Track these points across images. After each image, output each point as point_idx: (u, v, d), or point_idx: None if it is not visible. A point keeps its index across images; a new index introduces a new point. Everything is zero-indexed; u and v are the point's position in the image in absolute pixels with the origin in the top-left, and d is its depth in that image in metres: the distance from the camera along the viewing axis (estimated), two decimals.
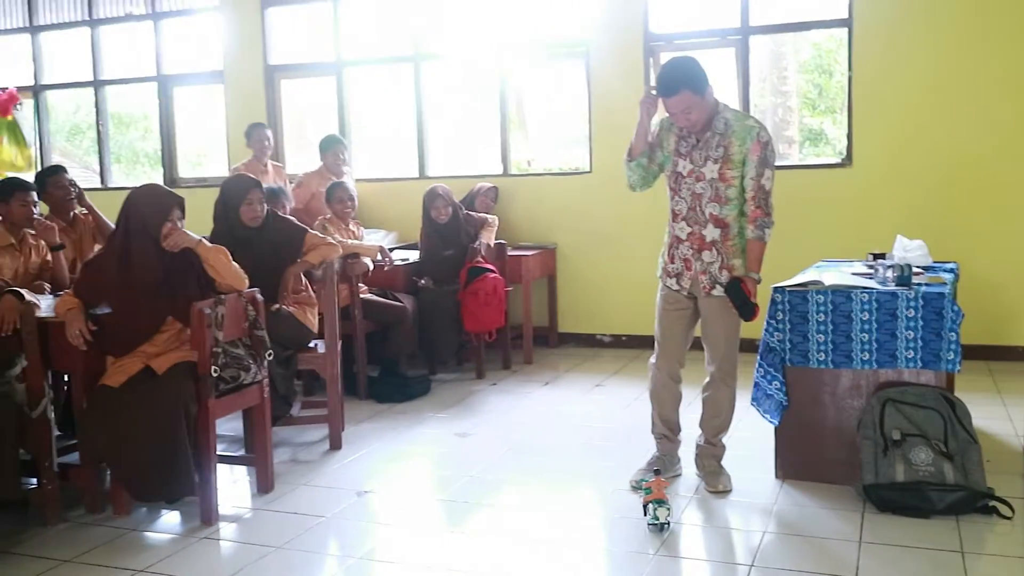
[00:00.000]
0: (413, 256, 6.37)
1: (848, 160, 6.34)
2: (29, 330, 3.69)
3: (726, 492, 3.88)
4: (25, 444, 3.68)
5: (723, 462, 4.02)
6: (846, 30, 6.29)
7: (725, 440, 4.03)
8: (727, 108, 3.76)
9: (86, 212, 5.20)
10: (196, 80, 8.38)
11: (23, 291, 3.78)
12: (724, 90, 6.57)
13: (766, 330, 3.95)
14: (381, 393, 5.62)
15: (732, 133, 3.70)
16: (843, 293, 3.83)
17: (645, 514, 3.55)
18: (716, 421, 3.98)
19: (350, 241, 5.71)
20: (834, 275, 4.08)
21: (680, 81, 3.59)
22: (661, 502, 3.50)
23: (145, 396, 3.60)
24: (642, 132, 3.81)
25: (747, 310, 3.68)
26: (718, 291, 3.79)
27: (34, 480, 3.79)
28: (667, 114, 3.80)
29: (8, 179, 5.05)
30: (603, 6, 6.78)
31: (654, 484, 3.57)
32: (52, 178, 5.07)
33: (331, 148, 6.69)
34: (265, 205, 4.54)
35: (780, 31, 6.91)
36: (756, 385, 4.03)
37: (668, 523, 3.49)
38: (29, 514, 3.75)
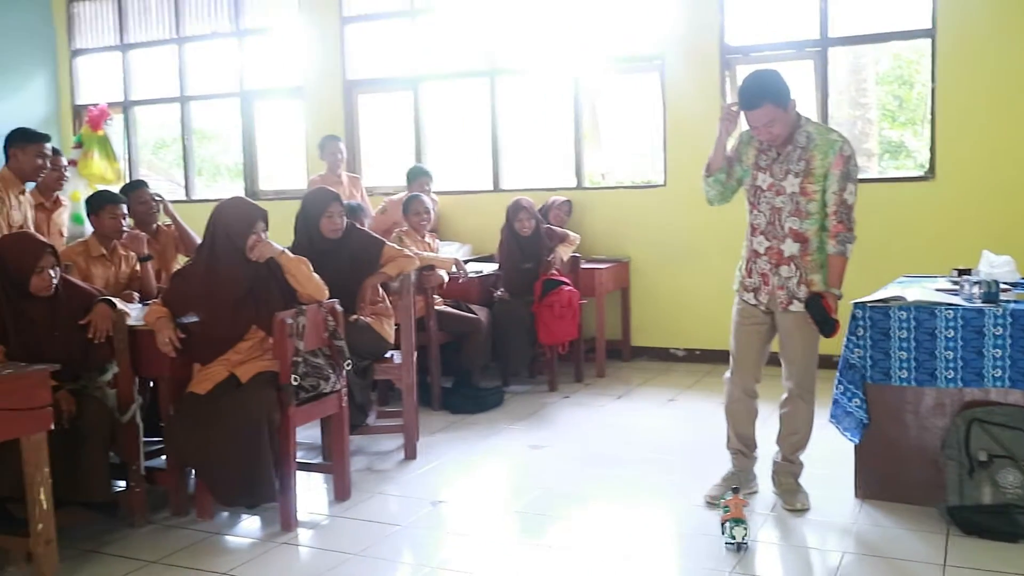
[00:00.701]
0: (487, 268, 6.42)
1: (931, 173, 6.20)
2: (121, 338, 3.82)
3: (804, 510, 3.82)
4: (115, 448, 3.81)
5: (801, 480, 3.95)
6: (929, 40, 6.16)
7: (803, 457, 3.97)
8: (809, 121, 3.72)
9: (169, 224, 5.37)
10: (276, 95, 8.59)
11: (115, 300, 3.91)
12: (802, 103, 6.48)
13: (846, 346, 3.88)
14: (455, 404, 5.68)
15: (814, 147, 3.65)
16: (927, 309, 3.74)
17: (723, 532, 3.51)
18: (794, 438, 3.92)
19: (426, 253, 5.78)
20: (917, 291, 3.99)
21: (763, 94, 3.56)
22: (739, 521, 3.46)
23: (231, 404, 3.70)
24: (720, 147, 3.79)
25: (828, 327, 3.62)
26: (796, 306, 3.75)
27: (122, 483, 3.92)
28: (746, 128, 3.77)
29: (99, 192, 5.27)
30: (679, 18, 6.76)
31: (732, 502, 3.53)
32: (134, 193, 5.25)
33: (417, 179, 6.74)
34: (344, 218, 4.62)
35: (860, 43, 6.81)
36: (835, 402, 3.96)
37: (745, 543, 3.45)
38: (118, 516, 3.88)
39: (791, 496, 3.87)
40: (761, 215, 3.78)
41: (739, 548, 3.44)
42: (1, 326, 3.57)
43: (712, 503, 3.90)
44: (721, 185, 3.84)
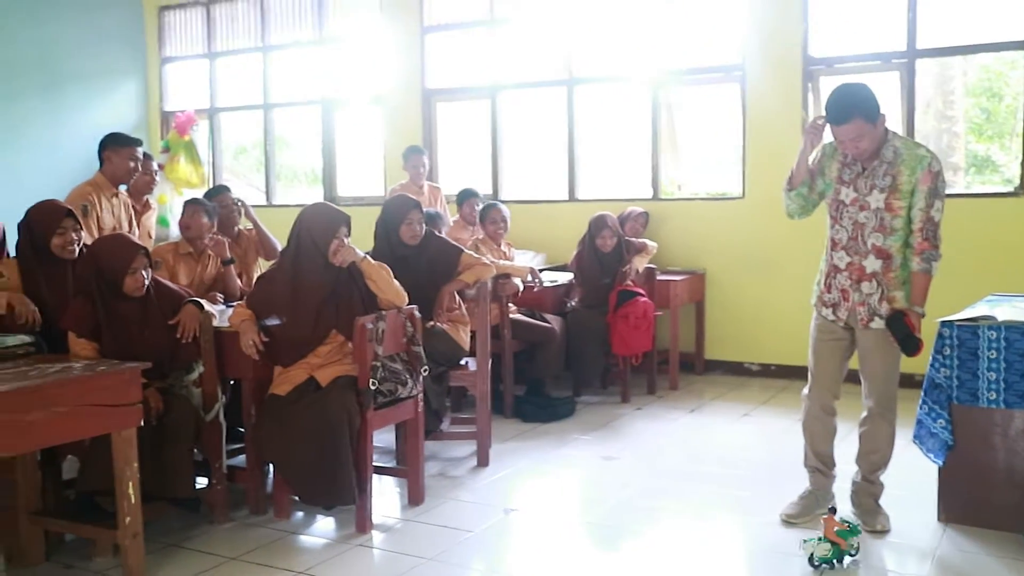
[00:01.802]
0: (562, 278, 6.43)
1: (1021, 188, 6.01)
2: (207, 338, 3.93)
3: (884, 532, 3.73)
4: (199, 445, 3.91)
5: (881, 501, 3.87)
6: (1022, 52, 5.98)
7: (883, 478, 3.88)
8: (896, 136, 3.64)
9: (251, 228, 5.50)
10: (357, 103, 8.74)
11: (203, 301, 4.02)
12: (887, 115, 6.35)
13: (932, 366, 3.79)
14: (527, 412, 5.69)
15: (901, 162, 3.58)
16: (1018, 329, 3.63)
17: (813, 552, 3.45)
18: (874, 457, 3.84)
19: (501, 261, 5.82)
20: (1007, 310, 3.88)
21: (853, 108, 3.49)
22: (823, 539, 3.39)
23: (313, 406, 3.78)
24: (804, 160, 3.73)
25: (911, 345, 3.54)
26: (877, 323, 3.67)
27: (204, 480, 4.03)
28: (828, 140, 3.71)
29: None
30: (761, 28, 6.69)
31: (827, 520, 3.46)
32: (217, 197, 5.41)
33: (467, 200, 6.76)
34: (424, 225, 4.68)
35: (949, 54, 6.65)
36: (919, 422, 3.87)
37: (831, 563, 3.38)
38: (200, 512, 3.99)
39: (871, 517, 3.79)
40: (843, 230, 3.71)
41: (818, 566, 3.38)
42: (95, 324, 3.70)
43: (789, 521, 3.84)
44: (803, 199, 3.78)
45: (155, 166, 5.74)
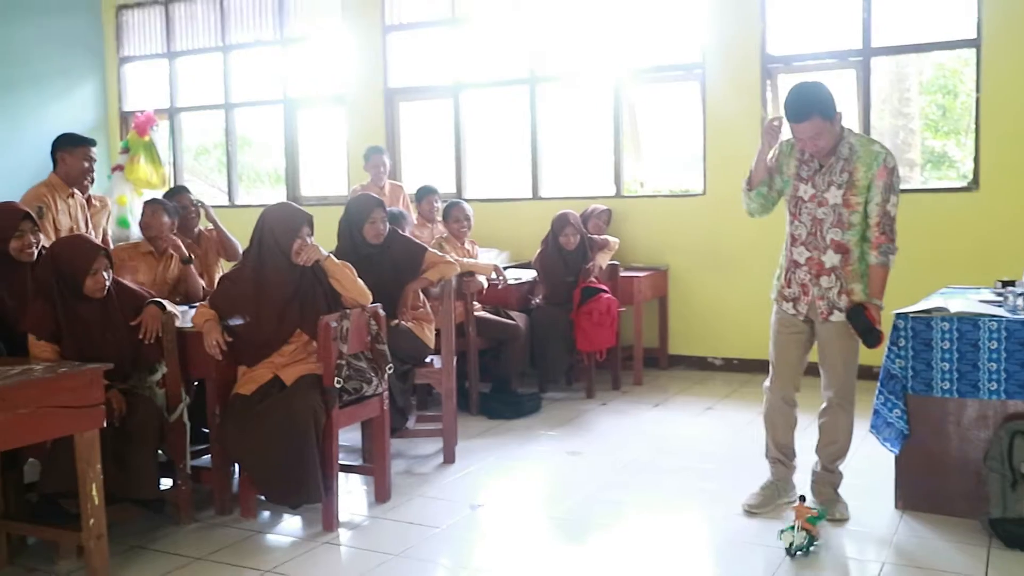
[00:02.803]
0: (526, 275, 6.46)
1: (975, 184, 6.14)
2: (170, 339, 3.91)
3: (843, 520, 3.81)
4: (163, 446, 3.89)
5: (840, 490, 3.94)
6: (974, 50, 6.11)
7: (842, 468, 3.96)
8: (851, 133, 3.71)
9: (211, 228, 5.47)
10: (319, 102, 8.71)
11: (165, 302, 4.00)
12: (844, 112, 6.45)
13: (887, 357, 3.87)
14: (492, 409, 5.72)
15: (857, 158, 3.65)
16: (970, 321, 3.72)
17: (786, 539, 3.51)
18: (833, 447, 3.91)
19: (466, 260, 5.83)
20: (960, 302, 3.97)
21: (811, 106, 3.55)
22: (797, 528, 3.47)
23: (278, 405, 3.78)
24: (762, 161, 3.79)
25: (872, 337, 3.62)
26: (836, 316, 3.75)
27: (169, 481, 4.00)
28: (786, 138, 3.78)
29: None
30: (719, 27, 6.77)
31: (797, 509, 3.53)
32: (176, 197, 5.37)
33: (425, 197, 6.78)
34: (387, 224, 4.69)
35: (904, 52, 6.76)
36: (876, 412, 3.95)
37: (806, 550, 3.45)
38: (165, 513, 3.96)
39: (831, 506, 3.86)
40: (802, 226, 3.78)
41: (794, 555, 3.45)
42: (55, 326, 3.66)
43: (751, 511, 3.91)
44: (763, 198, 3.84)
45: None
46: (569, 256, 6.24)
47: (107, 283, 3.75)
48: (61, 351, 3.65)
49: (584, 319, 6.00)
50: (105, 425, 3.32)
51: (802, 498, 3.60)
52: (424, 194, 6.75)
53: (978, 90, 6.10)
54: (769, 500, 3.97)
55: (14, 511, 3.69)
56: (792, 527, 3.48)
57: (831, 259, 3.73)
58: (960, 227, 6.12)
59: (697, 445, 5.04)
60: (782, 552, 3.47)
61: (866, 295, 3.70)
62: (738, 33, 6.70)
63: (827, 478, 3.94)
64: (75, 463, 3.25)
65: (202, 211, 5.53)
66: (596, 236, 6.56)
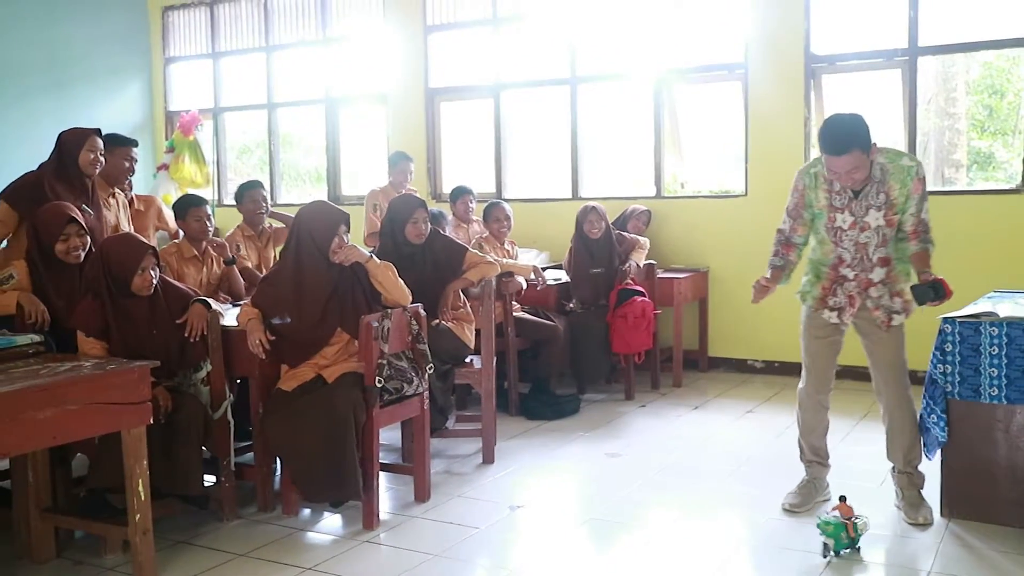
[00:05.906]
0: (565, 276, 6.44)
1: (1023, 185, 6.03)
2: (215, 337, 3.96)
3: (927, 525, 3.76)
4: (207, 443, 3.94)
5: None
6: (1022, 49, 5.99)
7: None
8: (878, 151, 3.65)
9: (282, 226, 5.51)
10: (360, 102, 8.77)
11: (210, 300, 4.05)
12: (889, 113, 6.37)
13: (932, 362, 3.82)
14: (531, 410, 5.72)
15: (890, 176, 3.64)
16: (1019, 326, 3.65)
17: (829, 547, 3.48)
18: (906, 448, 3.87)
19: (505, 260, 5.84)
20: (1009, 307, 3.90)
21: (850, 140, 3.49)
22: (828, 524, 3.44)
23: (319, 402, 3.82)
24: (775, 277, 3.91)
25: (940, 289, 3.51)
26: (897, 320, 3.77)
27: (213, 477, 4.06)
28: (805, 170, 3.79)
29: (184, 196, 5.38)
30: (763, 26, 6.70)
31: (841, 508, 3.50)
32: (249, 192, 5.44)
33: (460, 197, 6.75)
34: (429, 224, 4.71)
35: (951, 51, 6.64)
36: (920, 418, 3.90)
37: (837, 552, 3.43)
38: (209, 509, 4.02)
39: (913, 510, 3.82)
40: (846, 252, 3.78)
41: (837, 554, 3.43)
42: (104, 323, 3.73)
43: (791, 511, 3.91)
44: (803, 240, 3.93)
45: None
46: (594, 246, 6.20)
47: (154, 281, 3.81)
48: (109, 348, 3.72)
49: (620, 322, 5.97)
50: (152, 422, 3.37)
51: (842, 498, 3.56)
52: (458, 194, 6.76)
53: None
54: (808, 499, 3.98)
55: (62, 505, 3.77)
56: (834, 522, 3.44)
57: (878, 275, 3.76)
58: (1007, 230, 6.00)
59: (736, 448, 5.01)
60: (822, 558, 3.44)
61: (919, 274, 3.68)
62: (782, 32, 6.63)
63: (910, 480, 3.89)
64: (122, 459, 3.30)
65: (268, 208, 5.53)
66: (625, 233, 6.52)
